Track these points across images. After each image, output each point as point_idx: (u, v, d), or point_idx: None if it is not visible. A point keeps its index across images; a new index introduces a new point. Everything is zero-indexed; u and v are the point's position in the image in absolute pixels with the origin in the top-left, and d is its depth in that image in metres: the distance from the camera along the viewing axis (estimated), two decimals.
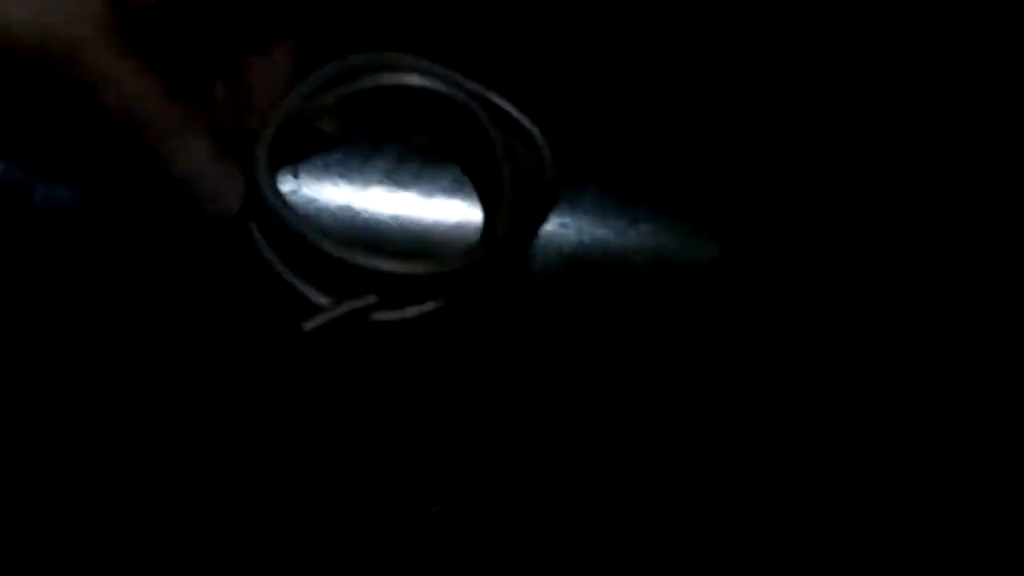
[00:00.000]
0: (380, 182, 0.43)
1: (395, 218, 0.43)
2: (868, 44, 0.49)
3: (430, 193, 0.43)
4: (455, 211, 0.43)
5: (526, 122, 0.41)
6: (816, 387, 0.45)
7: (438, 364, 0.42)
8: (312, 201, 0.42)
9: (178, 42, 0.37)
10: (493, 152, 0.41)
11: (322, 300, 0.40)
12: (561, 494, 0.43)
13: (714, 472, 0.43)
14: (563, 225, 0.43)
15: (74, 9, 0.32)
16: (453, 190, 0.43)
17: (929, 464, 0.45)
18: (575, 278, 0.43)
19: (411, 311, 0.40)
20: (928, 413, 0.45)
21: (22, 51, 0.32)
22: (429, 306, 0.41)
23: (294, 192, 0.42)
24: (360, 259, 0.39)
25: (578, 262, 0.43)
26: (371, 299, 0.39)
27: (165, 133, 0.35)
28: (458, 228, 0.43)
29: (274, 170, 0.40)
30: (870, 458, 0.45)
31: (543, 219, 0.42)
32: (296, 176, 0.42)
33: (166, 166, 0.35)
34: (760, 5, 0.48)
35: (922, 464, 0.45)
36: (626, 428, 0.43)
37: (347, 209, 0.42)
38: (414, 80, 0.41)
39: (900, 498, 0.45)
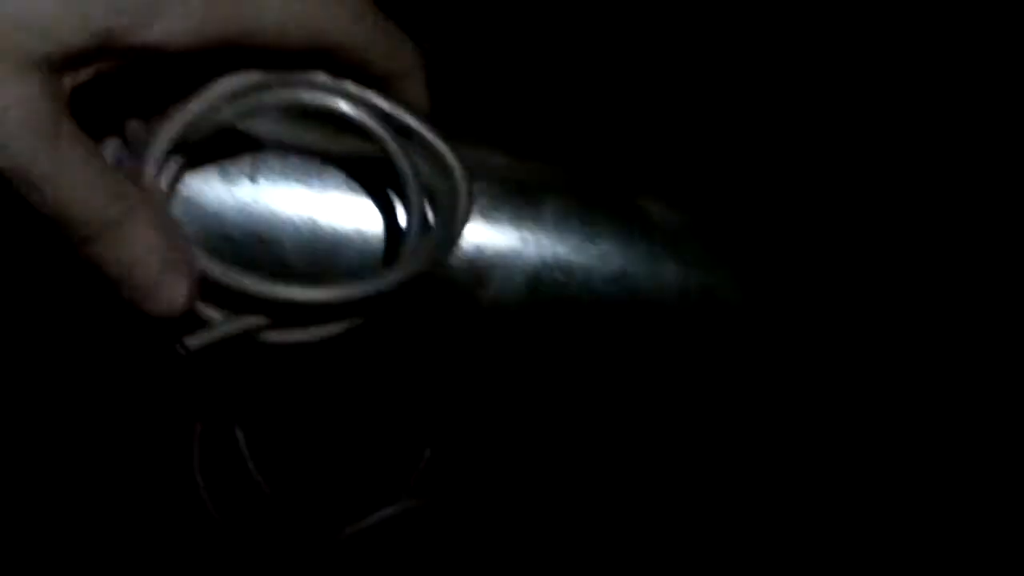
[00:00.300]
0: (339, 188, 0.41)
1: (356, 227, 0.41)
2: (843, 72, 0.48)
3: (391, 199, 0.42)
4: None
5: (442, 148, 0.39)
6: (784, 416, 0.45)
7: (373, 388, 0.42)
8: (268, 208, 0.41)
9: (119, 110, 0.34)
10: (403, 184, 0.39)
11: (211, 314, 0.37)
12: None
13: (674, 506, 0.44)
14: (523, 240, 0.43)
15: (7, 99, 0.28)
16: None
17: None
18: (537, 299, 0.43)
19: (311, 333, 0.39)
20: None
21: None
22: (332, 328, 0.39)
23: (253, 199, 0.40)
24: (247, 283, 0.36)
25: (541, 282, 0.43)
26: (263, 319, 0.37)
27: (99, 229, 0.31)
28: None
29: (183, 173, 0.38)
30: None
31: (444, 251, 0.40)
32: (254, 180, 0.40)
33: (97, 264, 0.32)
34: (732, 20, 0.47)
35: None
36: (583, 458, 0.44)
37: (306, 217, 0.41)
38: (327, 101, 0.37)
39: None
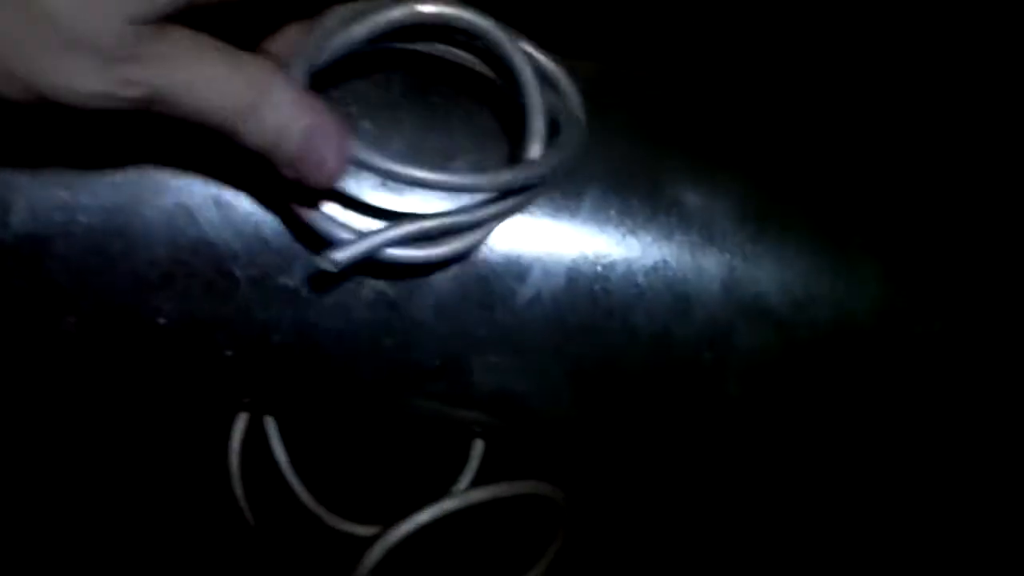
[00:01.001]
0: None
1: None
2: None
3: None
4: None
5: (554, 68, 0.40)
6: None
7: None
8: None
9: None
10: (525, 89, 0.39)
11: (343, 233, 0.37)
12: None
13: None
14: (562, 234, 0.42)
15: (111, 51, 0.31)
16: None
17: None
18: (577, 293, 0.43)
19: (437, 251, 0.38)
20: None
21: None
22: (456, 246, 0.39)
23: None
24: (419, 172, 0.35)
25: (581, 275, 0.43)
26: (408, 229, 0.37)
27: (243, 114, 0.33)
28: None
29: None
30: None
31: (579, 145, 0.40)
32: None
33: (253, 145, 0.34)
34: None
35: None
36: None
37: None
38: (458, 13, 0.38)
39: None
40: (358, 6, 0.37)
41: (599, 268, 0.42)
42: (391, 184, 0.40)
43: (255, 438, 0.58)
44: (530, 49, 0.39)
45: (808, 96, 0.47)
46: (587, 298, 0.43)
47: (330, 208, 0.38)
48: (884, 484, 0.46)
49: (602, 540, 0.55)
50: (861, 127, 0.47)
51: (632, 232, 0.43)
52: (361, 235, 0.36)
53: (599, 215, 0.43)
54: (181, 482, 0.59)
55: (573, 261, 0.42)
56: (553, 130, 0.39)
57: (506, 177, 0.38)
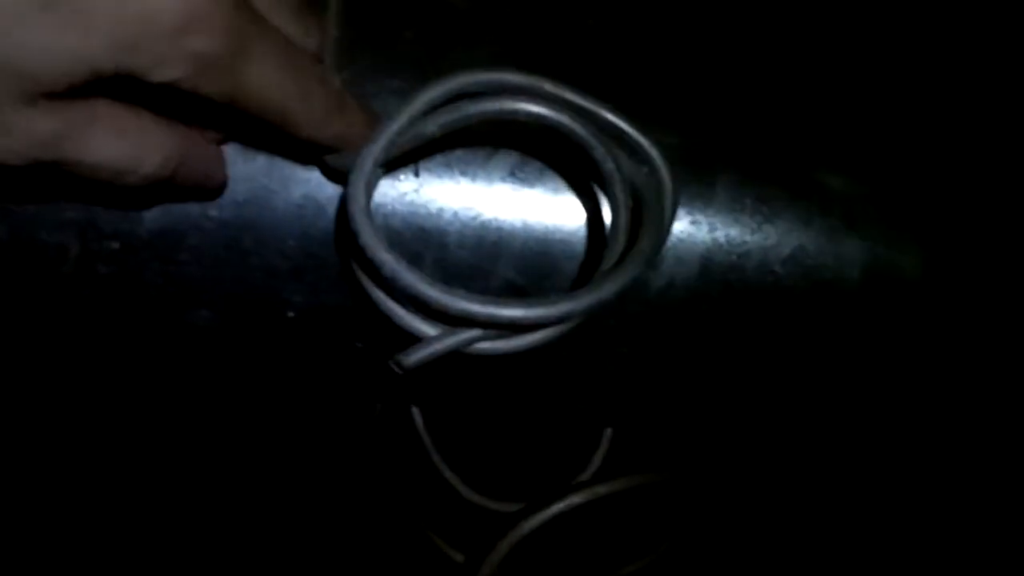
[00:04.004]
0: (504, 180, 0.41)
1: (521, 219, 0.41)
2: None
3: (556, 190, 0.41)
4: (581, 212, 0.41)
5: (644, 143, 0.37)
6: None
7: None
8: (432, 201, 0.40)
9: None
10: (608, 184, 0.37)
11: (423, 329, 0.36)
12: None
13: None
14: (695, 223, 0.41)
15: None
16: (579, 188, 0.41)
17: None
18: (711, 282, 0.41)
19: (518, 342, 0.37)
20: None
21: None
22: (543, 336, 0.37)
23: (415, 191, 0.40)
24: (469, 306, 0.34)
25: (714, 264, 0.41)
26: (476, 332, 0.36)
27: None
28: (581, 232, 0.41)
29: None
30: None
31: (658, 249, 0.38)
32: (417, 175, 0.40)
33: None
34: None
35: None
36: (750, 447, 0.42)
37: (470, 210, 0.41)
38: (527, 107, 0.36)
39: None
40: (440, 91, 0.36)
41: (734, 257, 0.41)
42: None
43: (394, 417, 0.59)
44: (623, 126, 0.37)
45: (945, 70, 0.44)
46: (721, 287, 0.41)
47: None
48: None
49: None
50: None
51: (769, 220, 0.41)
52: (438, 334, 0.36)
53: (734, 203, 0.41)
54: (321, 456, 0.60)
55: (707, 249, 0.41)
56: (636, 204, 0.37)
57: (569, 306, 0.35)
